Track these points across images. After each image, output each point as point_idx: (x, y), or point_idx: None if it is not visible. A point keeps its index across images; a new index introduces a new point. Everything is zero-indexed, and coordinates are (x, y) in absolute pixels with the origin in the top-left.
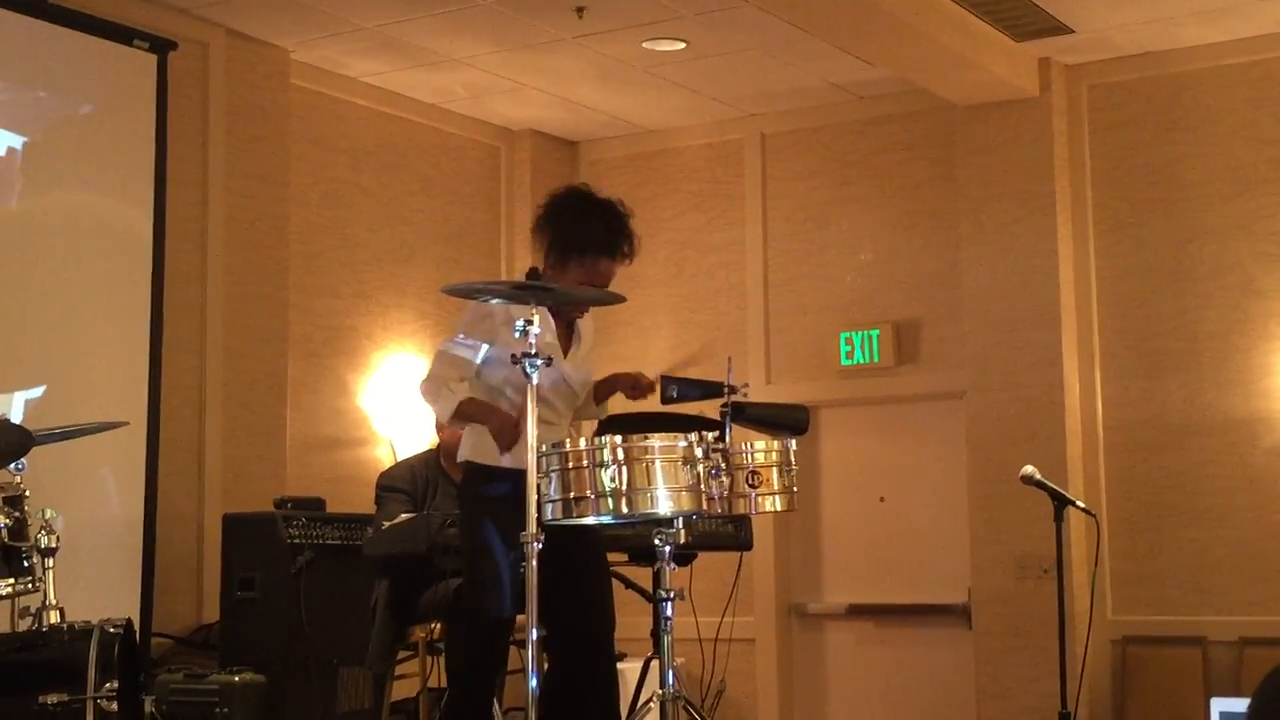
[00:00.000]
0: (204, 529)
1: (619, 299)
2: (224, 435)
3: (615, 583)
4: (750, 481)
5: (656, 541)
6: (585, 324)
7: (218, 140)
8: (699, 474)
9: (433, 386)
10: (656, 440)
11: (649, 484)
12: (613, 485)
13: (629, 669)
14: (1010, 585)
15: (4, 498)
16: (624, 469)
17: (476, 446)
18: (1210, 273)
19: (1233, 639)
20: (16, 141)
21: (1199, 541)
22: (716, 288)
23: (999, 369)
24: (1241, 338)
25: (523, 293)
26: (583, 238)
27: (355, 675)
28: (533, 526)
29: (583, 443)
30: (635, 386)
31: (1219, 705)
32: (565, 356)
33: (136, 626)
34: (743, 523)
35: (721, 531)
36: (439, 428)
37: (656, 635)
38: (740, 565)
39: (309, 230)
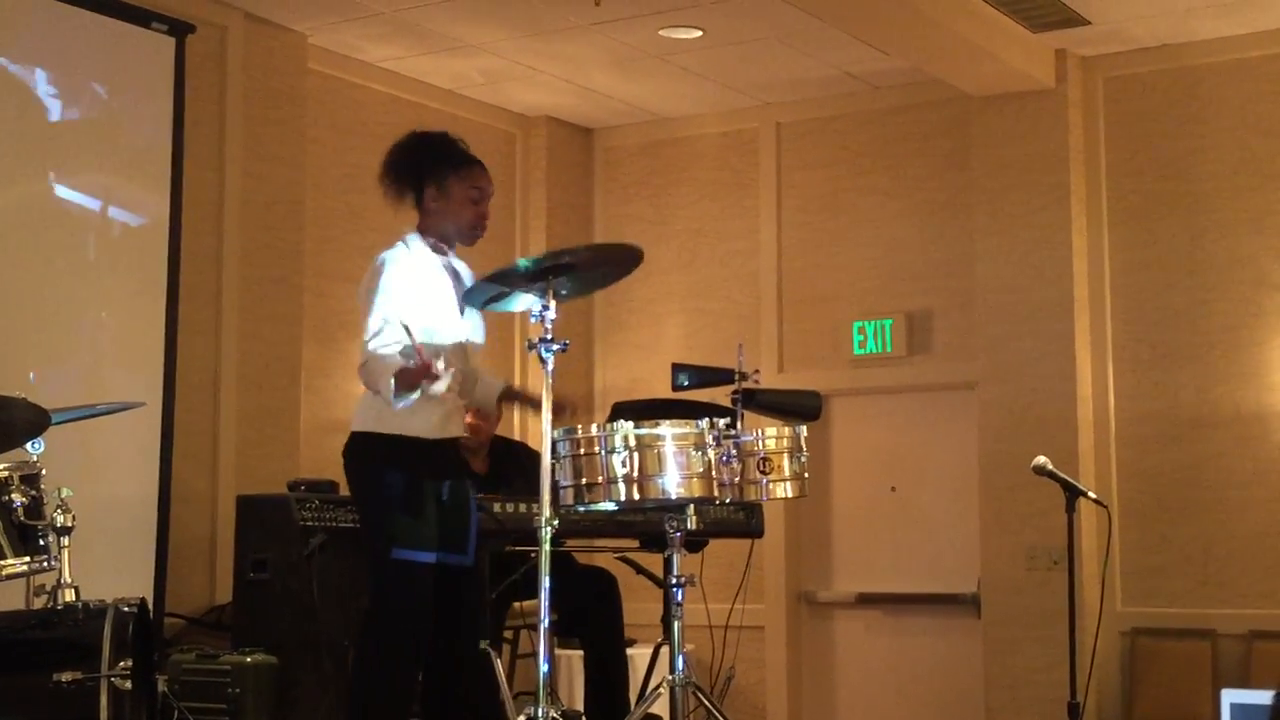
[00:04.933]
0: (217, 510)
1: (636, 252)
2: (238, 417)
3: (626, 569)
4: (761, 468)
5: (668, 528)
6: (462, 265)
7: (235, 124)
8: (710, 460)
9: (372, 369)
10: (668, 427)
11: (660, 470)
12: (624, 471)
13: (639, 655)
14: (1020, 576)
15: (21, 476)
16: (636, 455)
17: (381, 416)
18: (1224, 266)
19: (1242, 632)
20: (35, 123)
21: (1209, 534)
22: (730, 276)
23: (1011, 360)
24: (1254, 331)
25: (542, 281)
26: (444, 157)
27: None
28: (546, 510)
29: (594, 429)
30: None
31: (1230, 696)
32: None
33: (150, 606)
34: (754, 510)
35: (732, 519)
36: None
37: (667, 621)
38: (751, 552)
39: (325, 214)
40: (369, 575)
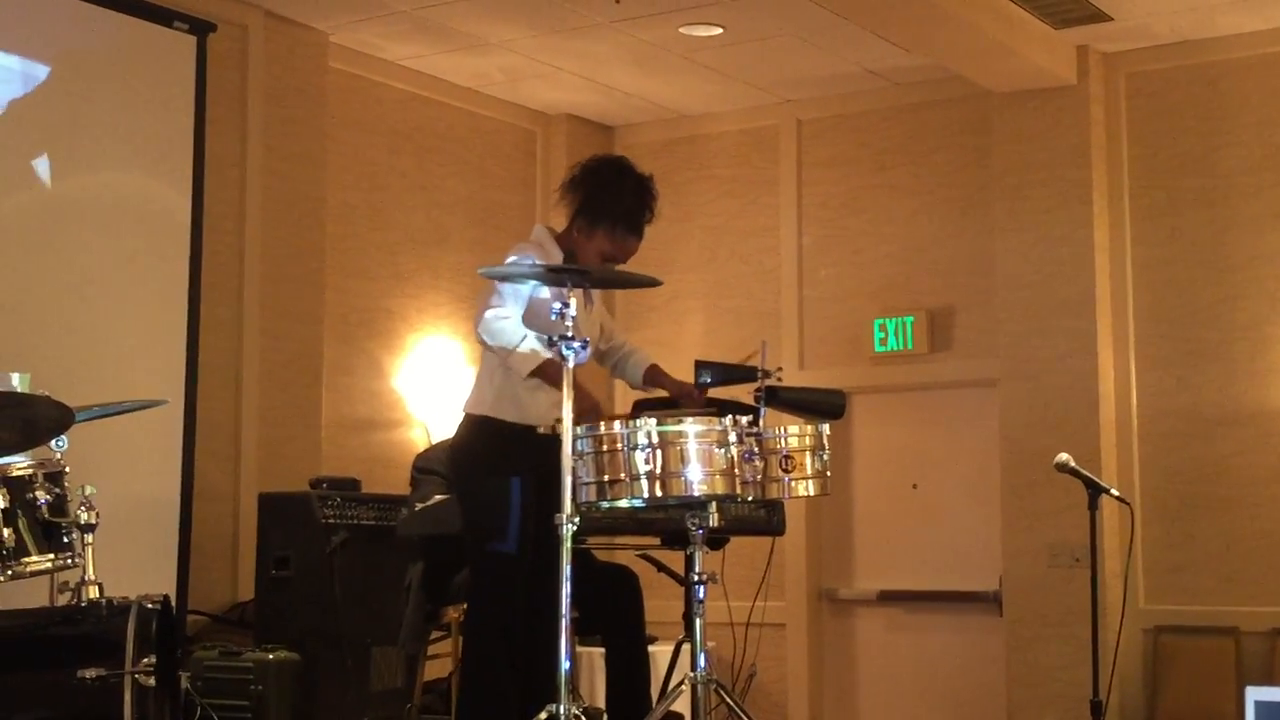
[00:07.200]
0: (240, 508)
1: (655, 282)
2: (260, 415)
3: (647, 566)
4: (784, 466)
5: (689, 525)
6: None
7: (256, 122)
8: (733, 458)
9: (504, 325)
10: (691, 424)
11: (683, 467)
12: (647, 468)
13: (660, 652)
14: (1042, 573)
15: (45, 474)
16: (658, 452)
17: (499, 403)
18: (1246, 262)
19: (1266, 629)
20: (57, 121)
21: (1232, 531)
22: (750, 273)
23: (1033, 357)
24: (1277, 328)
25: (559, 275)
26: (617, 209)
27: (388, 655)
28: (568, 508)
29: (617, 426)
30: (684, 397)
31: (1254, 694)
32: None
33: (173, 603)
34: (775, 507)
35: (754, 516)
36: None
37: (688, 619)
38: (772, 550)
39: (345, 212)
40: (471, 565)
